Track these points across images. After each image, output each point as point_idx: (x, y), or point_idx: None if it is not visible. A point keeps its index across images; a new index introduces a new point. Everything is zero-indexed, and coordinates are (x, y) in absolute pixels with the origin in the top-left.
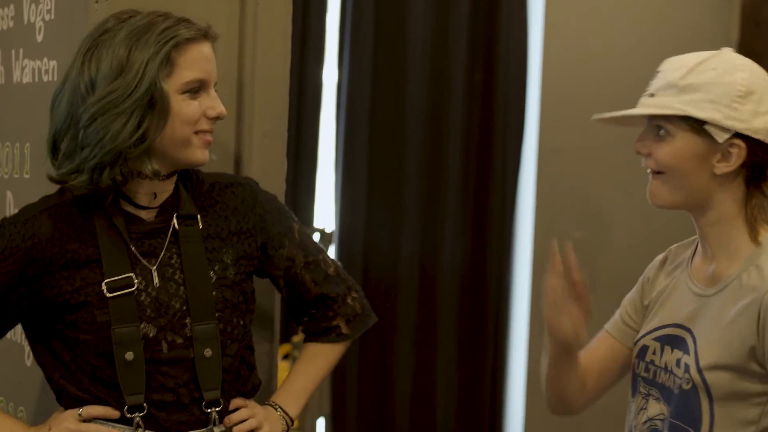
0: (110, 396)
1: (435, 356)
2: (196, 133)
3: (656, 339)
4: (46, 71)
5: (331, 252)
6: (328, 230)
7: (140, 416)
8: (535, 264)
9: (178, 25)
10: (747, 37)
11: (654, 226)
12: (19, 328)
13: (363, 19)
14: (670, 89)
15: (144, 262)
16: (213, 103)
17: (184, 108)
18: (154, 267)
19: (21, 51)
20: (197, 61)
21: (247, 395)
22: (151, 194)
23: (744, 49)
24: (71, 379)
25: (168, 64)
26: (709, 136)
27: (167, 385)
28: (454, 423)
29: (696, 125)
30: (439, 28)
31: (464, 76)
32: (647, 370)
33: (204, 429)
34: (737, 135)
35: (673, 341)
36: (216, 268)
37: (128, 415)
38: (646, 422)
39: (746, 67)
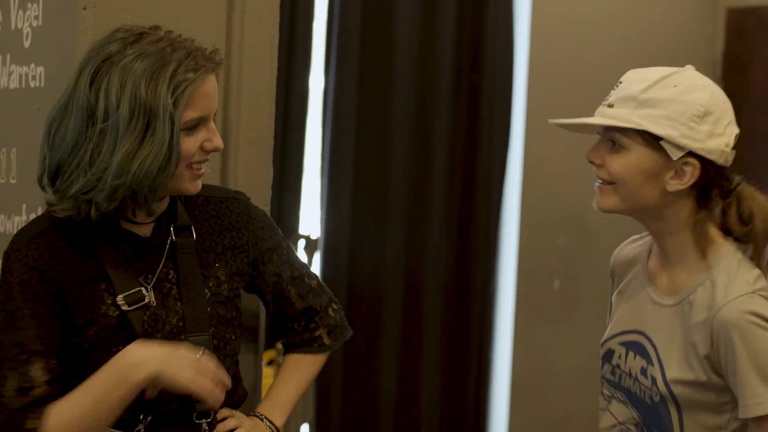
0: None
1: (419, 363)
2: (189, 166)
3: (622, 344)
4: (33, 77)
5: (317, 259)
6: (313, 237)
7: (143, 427)
8: (519, 271)
9: (187, 62)
10: (732, 46)
11: (637, 231)
12: None
13: (349, 26)
14: (630, 102)
15: (141, 279)
16: (210, 135)
17: (184, 145)
18: (151, 284)
19: (8, 56)
20: (200, 99)
21: (234, 406)
22: (146, 212)
23: (729, 59)
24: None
25: (182, 106)
26: (663, 153)
27: (162, 398)
28: (438, 428)
29: (651, 140)
30: (426, 36)
31: (450, 85)
32: (613, 373)
33: None
34: (692, 154)
35: (636, 347)
36: (210, 284)
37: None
38: (614, 426)
39: (707, 87)
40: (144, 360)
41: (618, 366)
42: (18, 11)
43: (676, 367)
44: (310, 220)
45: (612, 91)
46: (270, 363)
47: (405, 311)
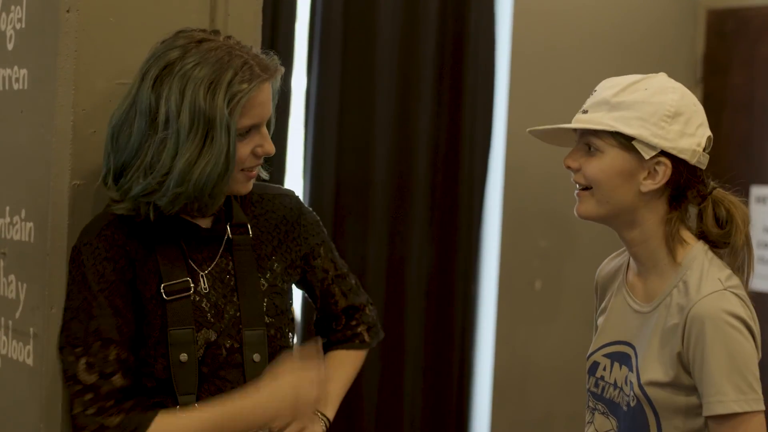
0: (167, 399)
1: (402, 364)
2: (242, 170)
3: (606, 356)
4: (17, 79)
5: None
6: None
7: None
8: (501, 272)
9: (243, 72)
10: (712, 48)
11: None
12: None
13: (332, 27)
14: (602, 106)
15: (197, 268)
16: (262, 141)
17: (237, 150)
18: (205, 272)
19: None
20: (254, 108)
21: None
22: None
23: (709, 61)
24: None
25: (236, 115)
26: (636, 153)
27: (223, 389)
28: (420, 428)
29: (624, 141)
30: (408, 38)
31: (432, 86)
32: (596, 385)
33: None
34: (664, 154)
35: (621, 358)
36: (267, 276)
37: None
38: None
39: (677, 90)
40: (278, 415)
41: (602, 378)
42: (1, 14)
43: (650, 369)
44: None
45: (587, 100)
46: None
47: (387, 312)
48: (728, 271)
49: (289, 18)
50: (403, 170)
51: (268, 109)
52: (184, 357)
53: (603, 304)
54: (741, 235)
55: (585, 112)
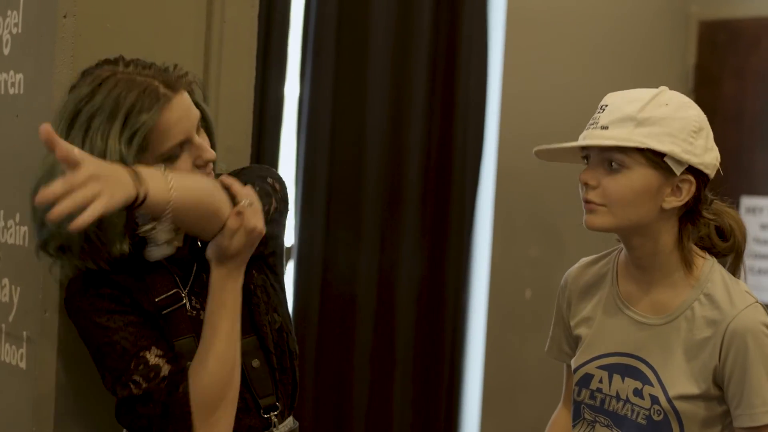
0: None
1: (392, 371)
2: None
3: (601, 368)
4: (13, 84)
5: (290, 267)
6: (287, 245)
7: None
8: (492, 280)
9: (142, 102)
10: (703, 59)
11: (608, 244)
12: None
13: (325, 34)
14: (628, 122)
15: (181, 288)
16: (198, 152)
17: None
18: (186, 290)
19: None
20: (172, 128)
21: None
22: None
23: (700, 72)
24: None
25: (141, 148)
26: (664, 170)
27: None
28: None
29: (654, 158)
30: (401, 45)
31: (425, 94)
32: (592, 397)
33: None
34: (688, 170)
35: (625, 370)
36: (253, 280)
37: None
38: None
39: (693, 104)
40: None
41: (599, 390)
42: None
43: (679, 383)
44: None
45: (598, 115)
46: None
47: (378, 319)
48: (744, 284)
49: (282, 25)
50: (394, 178)
51: (190, 121)
52: (189, 365)
53: (583, 314)
54: (743, 247)
55: (605, 128)
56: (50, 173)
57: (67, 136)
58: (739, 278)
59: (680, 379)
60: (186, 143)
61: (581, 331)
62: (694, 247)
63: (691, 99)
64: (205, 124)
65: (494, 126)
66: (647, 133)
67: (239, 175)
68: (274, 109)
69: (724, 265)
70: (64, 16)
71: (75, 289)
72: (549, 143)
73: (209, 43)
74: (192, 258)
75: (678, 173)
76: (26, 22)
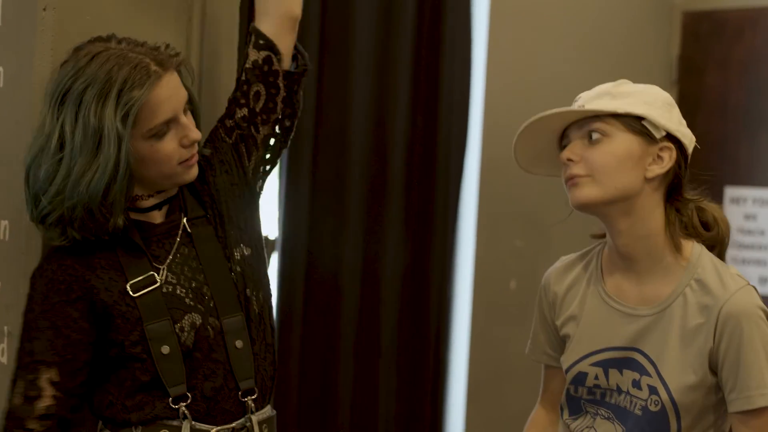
0: (155, 396)
1: (377, 363)
2: (180, 163)
3: (595, 364)
4: None
5: (274, 258)
6: (271, 237)
7: (185, 407)
8: (476, 272)
9: (134, 77)
10: (687, 50)
11: (592, 232)
12: None
13: (309, 25)
14: (603, 96)
15: (158, 264)
16: (185, 132)
17: (159, 150)
18: (166, 264)
19: None
20: (160, 105)
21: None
22: (159, 200)
23: (684, 62)
24: (119, 394)
25: (130, 123)
26: (644, 136)
27: (216, 371)
28: (395, 427)
29: (633, 123)
30: (384, 37)
31: (409, 86)
32: (591, 393)
33: (243, 418)
34: (668, 138)
35: (621, 363)
36: (236, 257)
37: (174, 406)
38: None
39: (662, 90)
40: None
41: (597, 386)
42: None
43: (678, 373)
44: (268, 220)
45: (575, 103)
46: None
47: (362, 310)
48: (734, 267)
49: None
50: (378, 169)
51: (178, 100)
52: (165, 349)
53: (568, 313)
54: (726, 239)
55: (581, 107)
56: (42, 153)
57: (58, 112)
58: None
59: (678, 369)
60: (173, 122)
61: (568, 329)
62: (682, 233)
63: (675, 90)
64: (192, 106)
65: (478, 117)
66: (623, 102)
67: None
68: None
69: (721, 255)
70: (44, 9)
71: (43, 260)
72: (538, 146)
73: (190, 37)
74: (171, 229)
75: (657, 136)
76: (6, 15)
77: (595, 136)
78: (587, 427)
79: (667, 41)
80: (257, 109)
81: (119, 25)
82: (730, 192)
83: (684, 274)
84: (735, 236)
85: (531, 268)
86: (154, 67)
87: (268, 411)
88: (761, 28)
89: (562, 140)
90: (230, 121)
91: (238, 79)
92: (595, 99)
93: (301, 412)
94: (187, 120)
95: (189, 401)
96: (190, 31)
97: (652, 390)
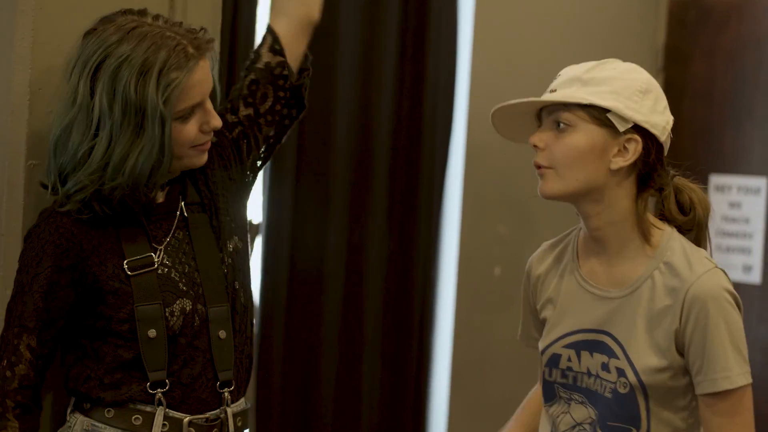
0: (134, 377)
1: (360, 349)
2: (193, 147)
3: (568, 346)
4: None
5: (258, 244)
6: (255, 222)
7: (162, 393)
8: (461, 258)
9: (173, 59)
10: (674, 38)
11: (577, 222)
12: None
13: None
14: (574, 82)
15: (156, 244)
16: (207, 117)
17: (182, 132)
18: (163, 246)
19: None
20: (191, 90)
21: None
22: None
23: (670, 50)
24: (98, 369)
25: (172, 105)
26: (609, 127)
27: (196, 358)
28: (378, 415)
29: (598, 115)
30: (370, 23)
31: (394, 72)
32: (564, 376)
33: (218, 409)
34: (635, 130)
35: (591, 346)
36: (229, 246)
37: (150, 391)
38: (574, 427)
39: (642, 71)
40: None
41: (569, 369)
42: None
43: (644, 355)
44: (253, 205)
45: (553, 83)
46: None
47: (346, 296)
48: (704, 250)
49: (251, 5)
50: (363, 154)
51: (208, 85)
52: (152, 333)
53: (546, 296)
54: (704, 221)
55: (553, 91)
56: (73, 124)
57: (92, 83)
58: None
59: (646, 351)
60: (198, 106)
61: (546, 313)
62: (653, 218)
63: (661, 78)
64: (212, 95)
65: (463, 103)
66: (591, 91)
67: None
68: None
69: (699, 240)
70: None
71: (41, 219)
72: (517, 121)
73: (172, 18)
74: (170, 211)
75: (621, 129)
76: None
77: (561, 125)
78: (563, 412)
79: (653, 29)
80: (262, 110)
81: (101, 7)
82: (715, 180)
83: (653, 257)
84: (719, 224)
85: (515, 254)
86: (191, 50)
87: (242, 404)
88: (747, 17)
89: (540, 116)
90: (233, 117)
91: (246, 76)
92: (566, 84)
93: (285, 398)
94: (210, 106)
95: (166, 388)
96: (172, 12)
97: (620, 372)
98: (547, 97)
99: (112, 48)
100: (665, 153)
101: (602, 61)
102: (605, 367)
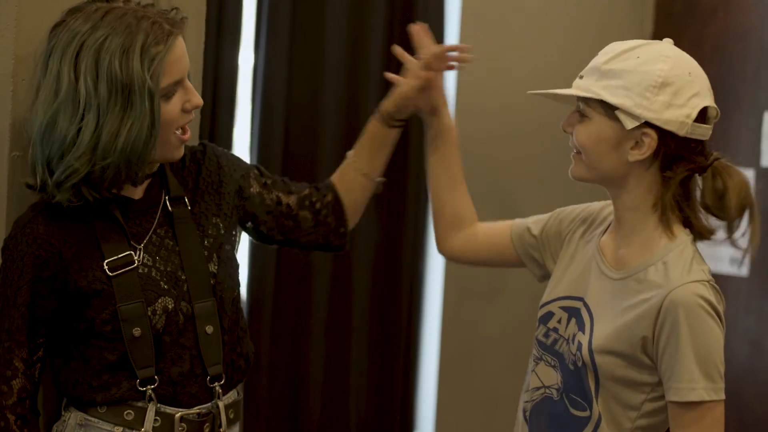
0: (122, 377)
1: (348, 342)
2: (176, 131)
3: (563, 309)
4: None
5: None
6: None
7: (152, 389)
8: None
9: (154, 33)
10: (660, 29)
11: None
12: None
13: (280, 2)
14: (594, 72)
15: (135, 243)
16: (189, 96)
17: (167, 111)
18: (142, 244)
19: None
20: (173, 64)
21: (244, 366)
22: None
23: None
24: (85, 373)
25: (158, 78)
26: (620, 122)
27: (183, 356)
28: (366, 407)
29: (609, 110)
30: (357, 14)
31: (381, 62)
32: (546, 335)
33: (209, 403)
34: (649, 125)
35: (576, 314)
36: (210, 231)
37: (140, 388)
38: (539, 389)
39: (670, 59)
40: None
41: (555, 330)
42: None
43: (603, 336)
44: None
45: (589, 65)
46: None
47: (333, 288)
48: (708, 267)
49: None
50: (351, 145)
51: (186, 62)
52: (137, 332)
53: (569, 250)
54: (735, 207)
55: (581, 77)
56: (59, 112)
57: (75, 66)
58: (750, 237)
59: (607, 332)
60: (180, 84)
61: (562, 266)
62: (677, 224)
63: None
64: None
65: (451, 97)
66: (604, 85)
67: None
68: (228, 80)
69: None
70: None
71: (17, 229)
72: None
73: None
74: (150, 207)
75: (628, 127)
76: None
77: (582, 114)
78: (531, 371)
79: (640, 20)
80: (288, 222)
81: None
82: None
83: (656, 253)
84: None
85: None
86: (167, 27)
87: (233, 395)
88: (733, 8)
89: None
90: (268, 196)
91: (312, 195)
92: (589, 72)
93: (271, 391)
94: (190, 85)
95: (156, 384)
96: (157, 4)
97: (579, 347)
98: (566, 90)
99: (87, 35)
100: (704, 139)
101: (639, 43)
102: (574, 339)
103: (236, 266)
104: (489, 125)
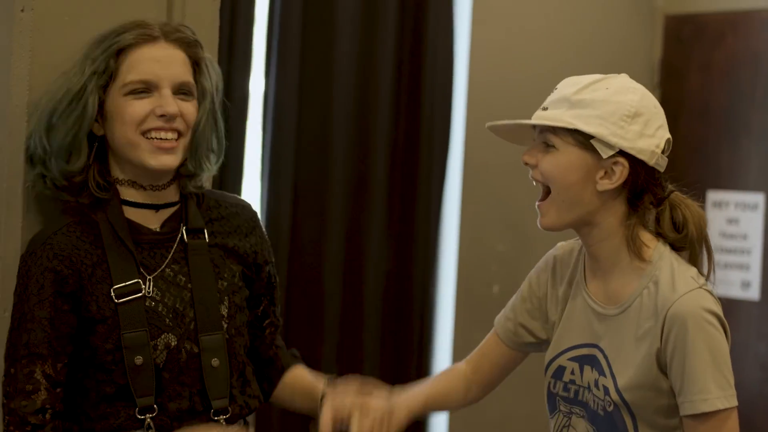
0: (119, 406)
1: (359, 368)
2: (144, 134)
3: (572, 359)
4: None
5: None
6: None
7: (150, 418)
8: (459, 276)
9: (136, 31)
10: (669, 53)
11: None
12: None
13: (290, 29)
14: (563, 103)
15: (145, 272)
16: (161, 101)
17: (127, 108)
18: (153, 276)
19: None
20: (140, 63)
21: (252, 403)
22: (153, 201)
23: (666, 66)
24: (83, 403)
25: (106, 72)
26: (594, 152)
27: (183, 393)
28: None
29: (582, 139)
30: (366, 40)
31: (390, 88)
32: (566, 389)
33: None
34: (621, 153)
35: (589, 361)
36: (225, 275)
37: (139, 417)
38: None
39: (638, 90)
40: None
41: (573, 381)
42: None
43: (626, 374)
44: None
45: (549, 97)
46: None
47: (344, 314)
48: (695, 269)
49: (247, 20)
50: (361, 172)
51: (168, 71)
52: (139, 360)
53: (560, 295)
54: (696, 240)
55: (545, 109)
56: (56, 107)
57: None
58: (707, 271)
59: (628, 369)
60: (155, 88)
61: (558, 319)
62: (646, 235)
63: (657, 93)
64: (213, 107)
65: (461, 120)
66: (577, 114)
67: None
68: (240, 105)
69: (695, 257)
70: (22, 10)
71: (35, 246)
72: (515, 138)
73: None
74: (167, 242)
75: (605, 156)
76: None
77: (548, 145)
78: (564, 426)
79: (649, 44)
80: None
81: (98, 27)
82: (713, 196)
83: (644, 276)
84: (717, 241)
85: (514, 272)
86: (155, 32)
87: (236, 427)
88: (742, 32)
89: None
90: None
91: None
92: (556, 104)
93: (284, 423)
94: (176, 101)
95: (155, 413)
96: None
97: (606, 390)
98: (535, 119)
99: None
100: (661, 171)
101: (599, 77)
102: (597, 384)
103: (245, 320)
104: (499, 150)
